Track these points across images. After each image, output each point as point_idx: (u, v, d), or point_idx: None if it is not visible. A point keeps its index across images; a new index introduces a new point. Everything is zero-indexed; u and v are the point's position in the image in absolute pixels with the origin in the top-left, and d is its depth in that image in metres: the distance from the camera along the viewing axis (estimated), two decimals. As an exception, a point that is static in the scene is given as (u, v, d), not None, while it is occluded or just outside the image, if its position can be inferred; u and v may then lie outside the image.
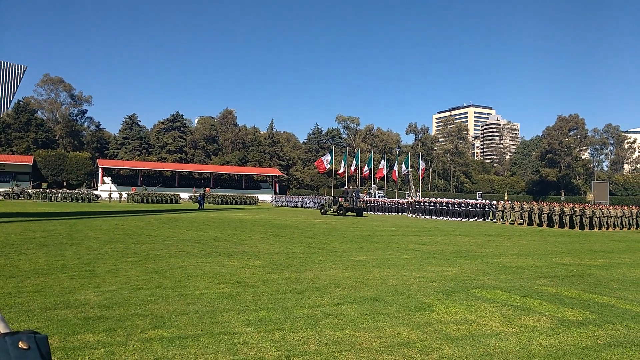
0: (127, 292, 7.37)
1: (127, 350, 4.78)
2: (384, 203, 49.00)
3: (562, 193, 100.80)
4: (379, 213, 46.35)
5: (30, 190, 57.99)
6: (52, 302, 6.55)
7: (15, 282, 7.84)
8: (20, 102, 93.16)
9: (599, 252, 15.89)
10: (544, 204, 32.32)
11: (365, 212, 41.70)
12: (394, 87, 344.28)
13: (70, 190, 57.76)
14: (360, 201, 39.92)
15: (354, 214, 38.57)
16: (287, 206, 61.33)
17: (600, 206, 32.60)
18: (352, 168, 71.01)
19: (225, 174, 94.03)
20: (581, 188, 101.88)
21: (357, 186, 76.00)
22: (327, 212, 39.71)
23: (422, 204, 42.46)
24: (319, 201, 53.54)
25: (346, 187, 41.84)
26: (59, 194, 53.80)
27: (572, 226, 29.40)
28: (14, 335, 0.74)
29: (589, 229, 28.74)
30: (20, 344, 0.72)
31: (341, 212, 37.82)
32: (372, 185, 69.24)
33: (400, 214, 45.18)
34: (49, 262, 9.95)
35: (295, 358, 4.75)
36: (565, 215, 29.91)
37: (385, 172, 69.93)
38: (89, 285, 7.74)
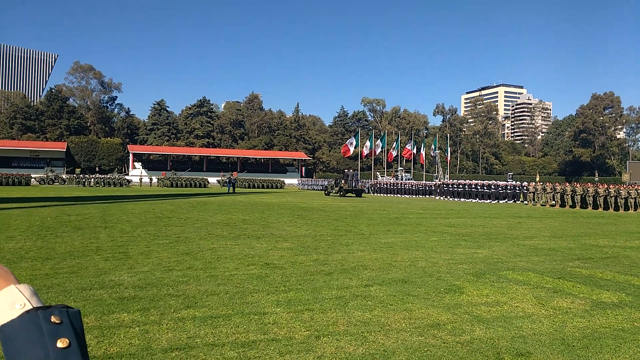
0: (160, 273, 7.52)
1: (161, 329, 4.89)
2: (411, 185, 48.61)
3: (596, 173, 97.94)
4: (406, 196, 46.03)
5: (64, 176, 59.67)
6: (88, 283, 6.75)
7: (52, 263, 8.10)
8: (53, 90, 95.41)
9: (635, 234, 15.42)
10: (577, 185, 31.48)
11: (364, 193, 44.83)
12: (421, 67, 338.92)
13: (103, 175, 59.20)
14: (359, 183, 43.04)
15: (354, 195, 40.79)
16: (314, 189, 61.44)
17: (636, 186, 31.54)
18: (378, 150, 70.46)
19: (252, 158, 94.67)
20: (616, 168, 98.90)
21: (384, 169, 75.55)
22: (330, 194, 42.67)
23: (450, 186, 41.93)
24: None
25: (347, 170, 44.53)
26: (92, 179, 55.19)
27: (606, 207, 28.59)
28: (46, 309, 0.72)
29: (624, 210, 27.90)
30: (53, 318, 0.71)
31: (341, 193, 40.81)
32: (399, 168, 68.71)
33: (427, 196, 44.75)
34: (84, 244, 10.24)
35: (324, 338, 4.78)
36: (599, 197, 29.08)
37: (413, 152, 69.21)
38: (123, 267, 7.93)
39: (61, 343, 0.69)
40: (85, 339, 0.74)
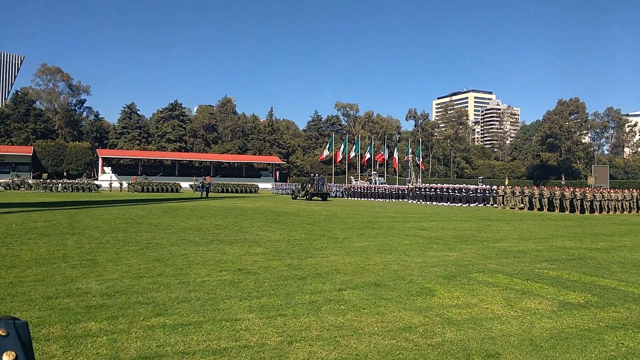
0: (129, 280, 7.37)
1: (130, 338, 4.79)
2: (385, 189, 48.99)
3: (563, 177, 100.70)
4: (380, 199, 46.36)
5: (30, 181, 57.95)
6: (54, 291, 6.56)
7: (17, 271, 7.85)
8: (19, 93, 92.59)
9: (600, 236, 15.90)
10: (545, 189, 32.28)
11: (329, 197, 46.23)
12: (393, 73, 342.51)
13: (71, 180, 57.72)
14: (325, 187, 44.63)
15: (320, 198, 42.42)
16: (288, 194, 61.29)
17: (601, 190, 32.57)
18: (352, 155, 70.94)
19: (226, 163, 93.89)
20: (582, 172, 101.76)
21: (358, 173, 76.08)
22: (297, 197, 43.86)
23: (422, 190, 42.44)
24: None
25: (313, 175, 45.63)
26: (60, 184, 53.76)
27: (572, 210, 29.40)
28: None
29: (590, 213, 28.74)
30: None
31: (308, 197, 42.42)
32: (373, 172, 69.15)
33: (400, 200, 45.16)
34: (50, 251, 9.96)
35: (297, 343, 4.76)
36: (566, 200, 29.89)
37: (385, 157, 69.84)
38: (91, 274, 7.74)
39: (7, 356, 0.67)
40: (34, 352, 0.71)
